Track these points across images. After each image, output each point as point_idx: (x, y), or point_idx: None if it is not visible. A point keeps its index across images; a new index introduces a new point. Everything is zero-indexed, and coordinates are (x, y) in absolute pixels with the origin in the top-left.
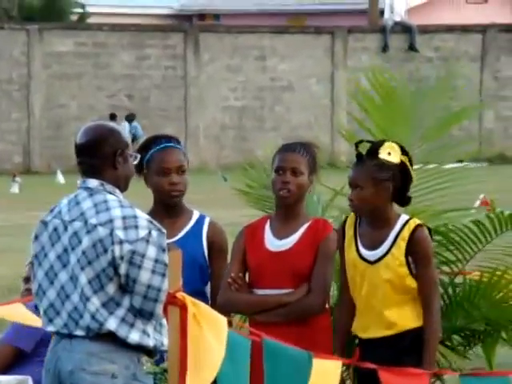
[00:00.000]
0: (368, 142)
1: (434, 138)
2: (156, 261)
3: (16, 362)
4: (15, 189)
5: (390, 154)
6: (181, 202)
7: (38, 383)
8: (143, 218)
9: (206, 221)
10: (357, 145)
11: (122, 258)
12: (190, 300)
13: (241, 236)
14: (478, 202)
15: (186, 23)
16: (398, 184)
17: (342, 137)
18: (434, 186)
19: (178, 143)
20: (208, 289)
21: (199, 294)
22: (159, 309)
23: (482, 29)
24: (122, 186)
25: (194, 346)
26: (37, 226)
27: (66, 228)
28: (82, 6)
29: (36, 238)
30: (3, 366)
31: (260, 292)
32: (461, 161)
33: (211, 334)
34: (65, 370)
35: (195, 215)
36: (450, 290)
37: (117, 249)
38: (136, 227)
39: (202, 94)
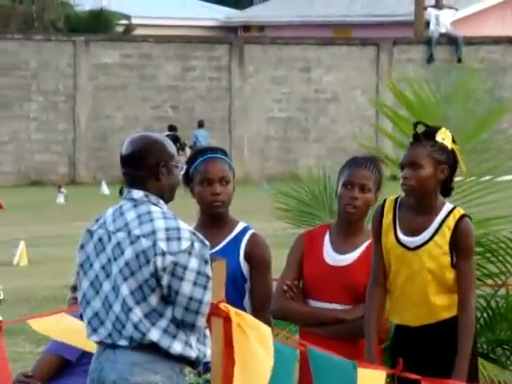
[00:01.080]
0: (424, 124)
1: (472, 142)
2: (198, 273)
3: (61, 371)
4: (61, 199)
5: (444, 139)
6: (226, 212)
7: None
8: (186, 229)
9: (249, 233)
10: (415, 125)
11: (164, 269)
12: (233, 310)
13: (299, 242)
14: None
15: (231, 35)
16: (451, 170)
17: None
18: (481, 199)
19: (224, 154)
20: (246, 303)
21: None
22: (201, 321)
23: None
24: (167, 196)
25: (241, 356)
26: (83, 236)
27: (110, 238)
28: (128, 18)
29: (82, 247)
30: (48, 375)
31: (314, 304)
32: (508, 174)
33: (258, 344)
34: (108, 380)
35: (239, 227)
36: (493, 303)
37: (159, 260)
38: (179, 239)
39: (247, 106)
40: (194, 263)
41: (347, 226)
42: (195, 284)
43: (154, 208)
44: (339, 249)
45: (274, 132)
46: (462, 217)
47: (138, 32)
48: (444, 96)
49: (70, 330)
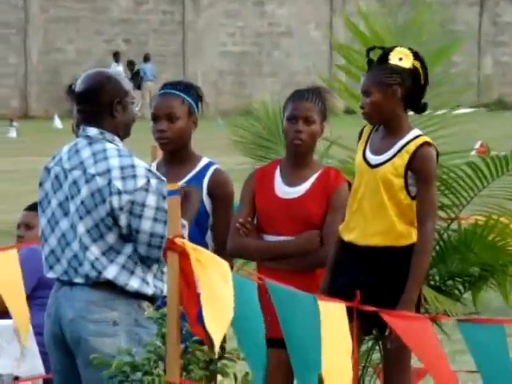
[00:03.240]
0: (380, 48)
1: (432, 83)
2: (157, 208)
3: None
4: (13, 133)
5: (402, 59)
6: (178, 148)
7: (37, 327)
8: (141, 166)
9: (211, 168)
10: (368, 51)
11: (121, 208)
12: (190, 245)
13: (251, 179)
14: (474, 151)
15: None
16: (409, 89)
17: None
18: (434, 133)
19: (184, 89)
20: (207, 238)
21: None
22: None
23: None
24: (122, 133)
25: (206, 290)
26: (41, 173)
27: (66, 176)
28: None
29: (40, 184)
30: (2, 309)
31: (269, 238)
32: (458, 106)
33: (219, 277)
34: (66, 318)
35: (202, 162)
36: (446, 235)
37: (115, 200)
38: (134, 177)
39: (200, 40)
40: (151, 200)
41: (296, 160)
42: (155, 220)
43: (108, 145)
44: (289, 182)
45: (227, 66)
46: (424, 144)
47: None
48: (398, 29)
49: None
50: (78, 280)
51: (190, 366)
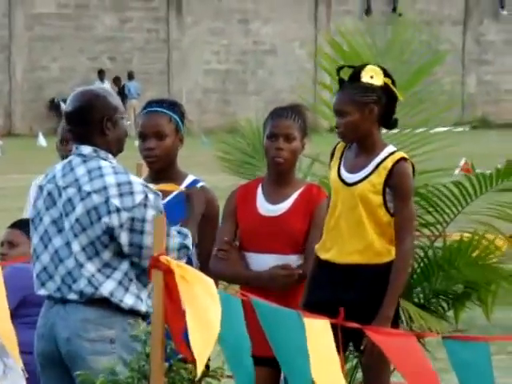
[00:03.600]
0: (349, 67)
1: (407, 94)
2: None
3: None
4: None
5: (373, 77)
6: (166, 166)
7: (20, 345)
8: (138, 182)
9: (197, 186)
10: (338, 71)
11: (121, 226)
12: (174, 263)
13: (232, 197)
14: (458, 169)
15: None
16: (383, 107)
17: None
18: (416, 150)
19: (169, 107)
20: (192, 255)
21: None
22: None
23: None
24: (115, 149)
25: (191, 307)
26: (35, 191)
27: (60, 194)
28: None
29: (34, 203)
30: None
31: (251, 255)
32: (443, 125)
33: (204, 294)
34: (61, 338)
35: (188, 179)
36: (431, 253)
37: (114, 218)
38: (131, 193)
39: (185, 58)
40: (150, 214)
41: (278, 177)
42: None
43: (103, 163)
44: (271, 199)
45: (212, 84)
46: (401, 159)
47: None
48: (380, 48)
49: None
50: (72, 297)
51: None
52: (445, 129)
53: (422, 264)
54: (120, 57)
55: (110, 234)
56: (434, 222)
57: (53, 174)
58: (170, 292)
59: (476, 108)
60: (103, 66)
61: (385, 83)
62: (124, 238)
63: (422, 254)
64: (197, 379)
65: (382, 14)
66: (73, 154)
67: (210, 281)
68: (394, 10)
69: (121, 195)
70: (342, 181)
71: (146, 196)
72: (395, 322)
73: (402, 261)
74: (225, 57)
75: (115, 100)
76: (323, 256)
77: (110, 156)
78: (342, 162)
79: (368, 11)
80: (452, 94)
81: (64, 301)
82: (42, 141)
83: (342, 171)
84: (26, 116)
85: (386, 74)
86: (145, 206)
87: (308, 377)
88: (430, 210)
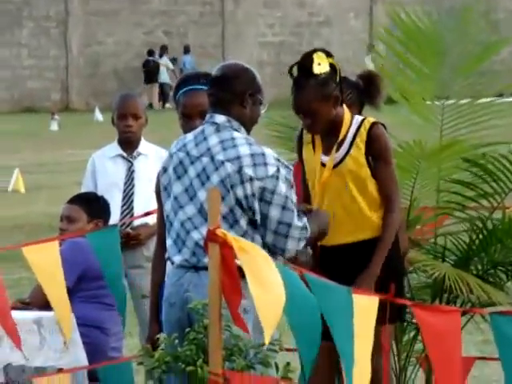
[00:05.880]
0: (297, 63)
1: (472, 71)
2: (286, 197)
3: None
4: (54, 126)
5: (320, 63)
6: None
7: (79, 319)
8: (271, 155)
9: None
10: (290, 69)
11: (253, 195)
12: (231, 236)
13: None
14: None
15: None
16: (339, 86)
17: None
18: (471, 121)
19: (207, 82)
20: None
21: None
22: (291, 244)
23: None
24: (247, 126)
25: (255, 277)
26: (166, 159)
27: (192, 162)
28: None
29: (165, 170)
30: (45, 302)
31: None
32: (501, 95)
33: (265, 264)
34: (195, 304)
35: None
36: (489, 224)
37: (248, 186)
38: (265, 164)
39: (240, 31)
40: (281, 187)
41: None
42: (284, 208)
43: (236, 134)
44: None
45: (267, 57)
46: (373, 124)
47: None
48: (436, 17)
49: (51, 269)
50: (206, 264)
51: (233, 357)
52: (505, 100)
53: (480, 235)
54: (175, 30)
55: (246, 202)
56: (493, 192)
57: (183, 142)
58: (227, 265)
59: None
60: (158, 41)
61: (330, 64)
62: (256, 206)
63: (480, 225)
64: (265, 347)
65: None
66: (206, 123)
67: (266, 253)
68: None
69: (254, 165)
70: (323, 165)
71: (278, 169)
72: (400, 293)
73: (393, 217)
74: (279, 29)
75: (261, 84)
76: (326, 243)
77: (242, 129)
78: (316, 146)
79: None
80: (510, 64)
81: (197, 268)
82: (98, 115)
83: (320, 156)
84: (82, 91)
85: (329, 55)
86: (277, 178)
87: (349, 351)
88: (489, 180)
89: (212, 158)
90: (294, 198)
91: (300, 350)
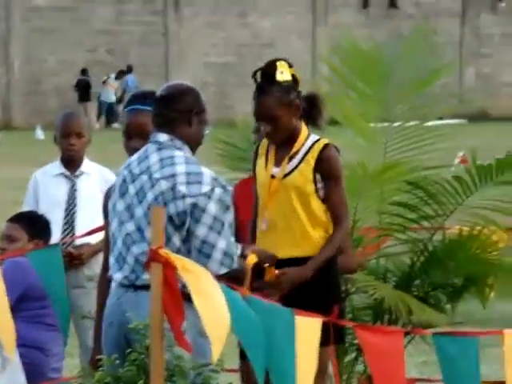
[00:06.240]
0: (259, 70)
1: (415, 95)
2: (215, 218)
3: None
4: None
5: (283, 72)
6: None
7: (20, 339)
8: (208, 175)
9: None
10: (254, 74)
11: (185, 212)
12: (173, 256)
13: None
14: (457, 160)
15: None
16: (299, 98)
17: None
18: (414, 144)
19: (152, 102)
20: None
21: None
22: (212, 266)
23: None
24: (192, 146)
25: (201, 296)
26: (116, 178)
27: (133, 180)
28: None
29: (113, 189)
30: None
31: None
32: (441, 118)
33: (209, 283)
34: (132, 326)
35: None
36: (430, 246)
37: (180, 203)
38: (199, 182)
39: (183, 51)
40: (211, 207)
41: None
42: (211, 228)
43: (177, 153)
44: None
45: (210, 77)
46: (326, 146)
47: None
48: (379, 41)
49: None
50: (143, 282)
51: (174, 378)
52: (443, 122)
53: (421, 257)
54: (118, 49)
55: (178, 219)
56: (434, 215)
57: (129, 161)
58: (169, 285)
59: (474, 101)
60: (101, 59)
61: (292, 74)
62: (187, 223)
63: (421, 247)
64: (207, 368)
65: (380, 6)
66: (149, 142)
67: (206, 271)
68: (392, 2)
69: (188, 183)
70: (272, 176)
71: (213, 189)
72: (341, 315)
73: (335, 238)
74: (223, 50)
75: (205, 104)
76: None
77: (185, 147)
78: (269, 159)
79: (366, 4)
80: (450, 87)
81: (136, 287)
82: (39, 133)
83: (271, 167)
84: (23, 109)
85: (290, 65)
86: (209, 197)
87: (291, 373)
88: (430, 202)
89: (150, 176)
90: (228, 220)
91: (253, 365)
